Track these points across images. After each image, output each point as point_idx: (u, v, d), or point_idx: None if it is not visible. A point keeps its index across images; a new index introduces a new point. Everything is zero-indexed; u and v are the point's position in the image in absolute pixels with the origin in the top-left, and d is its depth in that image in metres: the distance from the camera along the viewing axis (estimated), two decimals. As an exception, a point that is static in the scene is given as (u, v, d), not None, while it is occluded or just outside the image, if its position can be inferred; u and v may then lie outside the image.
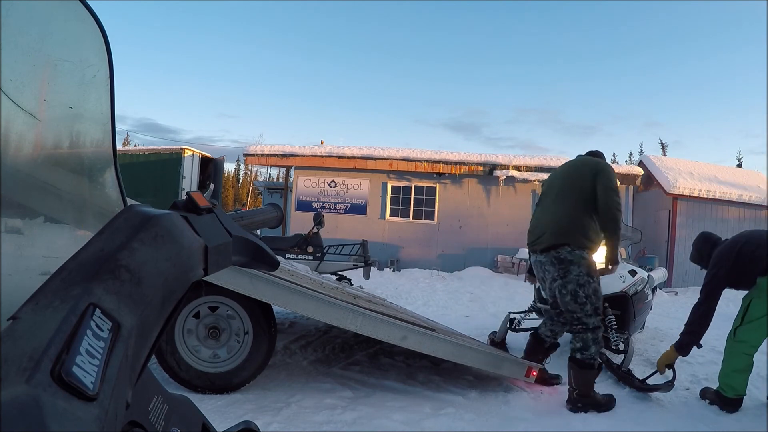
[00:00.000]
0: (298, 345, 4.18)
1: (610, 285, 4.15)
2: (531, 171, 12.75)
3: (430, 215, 13.23)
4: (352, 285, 6.47)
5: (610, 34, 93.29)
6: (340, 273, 7.25)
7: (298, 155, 13.35)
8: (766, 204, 12.93)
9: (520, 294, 8.63)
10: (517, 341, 4.53)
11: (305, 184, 13.50)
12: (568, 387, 3.26)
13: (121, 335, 0.35)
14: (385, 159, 12.96)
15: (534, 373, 3.43)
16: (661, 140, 54.46)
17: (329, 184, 13.45)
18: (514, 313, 4.74)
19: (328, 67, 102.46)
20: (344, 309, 3.01)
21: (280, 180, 18.75)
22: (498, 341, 4.47)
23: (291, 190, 13.77)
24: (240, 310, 3.16)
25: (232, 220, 0.54)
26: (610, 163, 3.48)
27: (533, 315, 4.71)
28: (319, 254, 7.25)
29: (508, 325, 4.54)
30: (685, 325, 3.30)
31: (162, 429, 0.47)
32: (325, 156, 13.18)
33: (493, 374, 3.75)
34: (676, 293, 10.56)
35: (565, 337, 4.07)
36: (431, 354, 3.19)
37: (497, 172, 12.73)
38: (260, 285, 2.88)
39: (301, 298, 2.96)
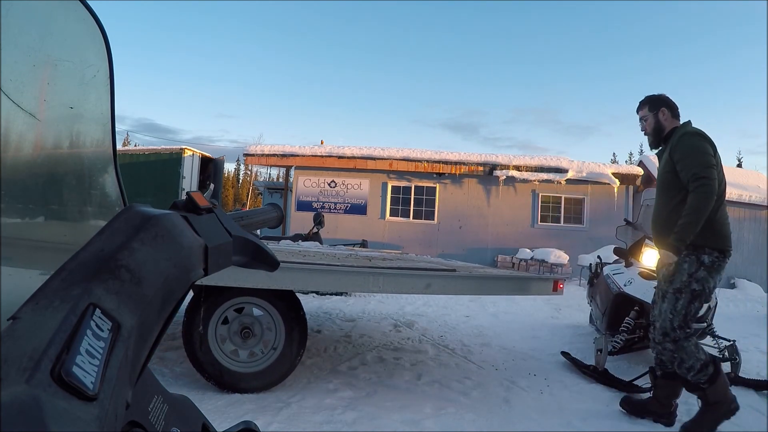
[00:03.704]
0: (298, 345, 4.18)
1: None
2: (531, 171, 12.76)
3: (430, 215, 13.23)
4: None
5: (608, 34, 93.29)
6: None
7: (298, 155, 13.36)
8: (766, 204, 12.92)
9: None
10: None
11: (305, 184, 13.50)
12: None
13: (121, 335, 0.34)
14: (385, 159, 12.97)
15: (561, 286, 3.36)
16: (661, 140, 54.34)
17: (329, 184, 13.45)
18: (611, 338, 3.87)
19: (328, 67, 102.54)
20: (363, 274, 3.00)
21: (280, 180, 18.74)
22: (601, 369, 3.73)
23: (291, 190, 13.77)
24: (280, 326, 3.13)
25: (232, 220, 0.53)
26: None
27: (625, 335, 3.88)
28: (319, 254, 7.24)
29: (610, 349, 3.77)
30: None
31: (162, 429, 0.47)
32: (325, 156, 13.19)
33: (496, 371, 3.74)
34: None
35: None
36: (458, 294, 3.19)
37: (497, 172, 12.74)
38: (276, 275, 2.84)
39: (320, 276, 2.96)
